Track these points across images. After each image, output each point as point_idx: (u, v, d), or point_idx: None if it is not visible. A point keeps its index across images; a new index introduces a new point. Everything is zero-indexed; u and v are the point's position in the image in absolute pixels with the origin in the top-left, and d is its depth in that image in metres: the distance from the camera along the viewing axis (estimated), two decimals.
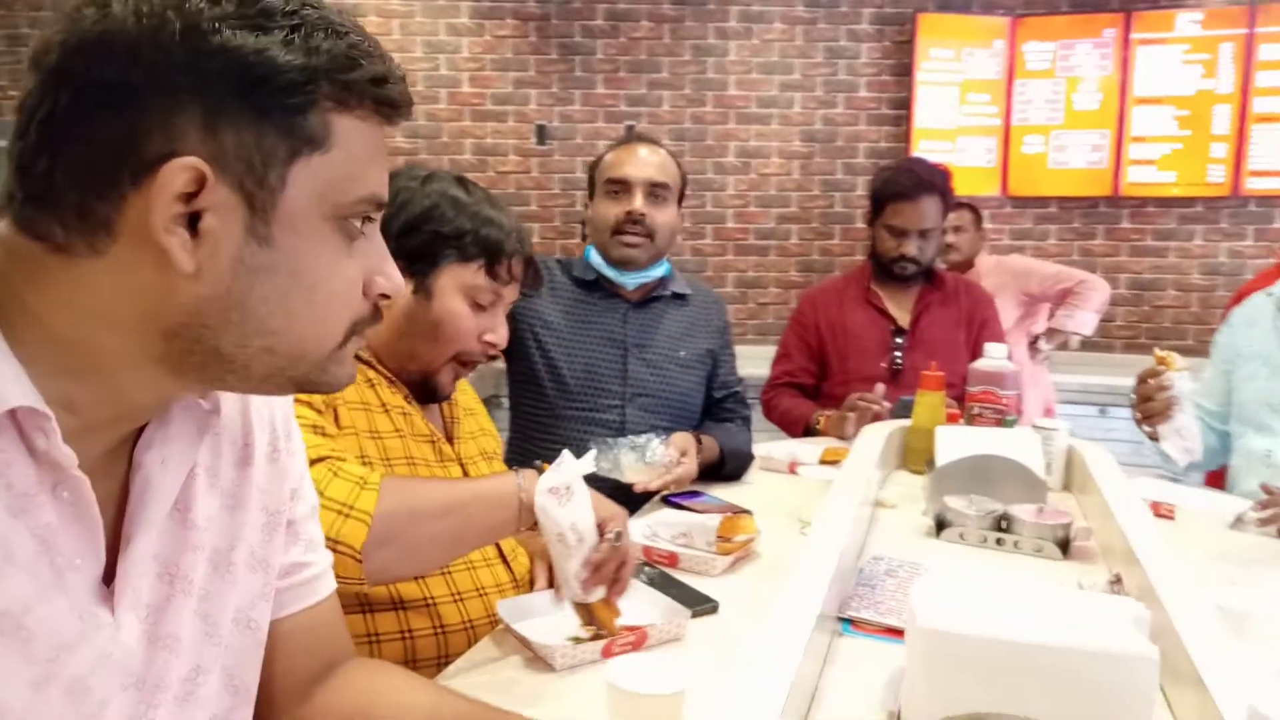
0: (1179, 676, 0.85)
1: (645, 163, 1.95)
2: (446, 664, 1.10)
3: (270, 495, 0.73)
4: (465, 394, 1.45)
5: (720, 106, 4.56)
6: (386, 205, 0.64)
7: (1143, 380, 1.84)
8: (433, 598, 1.20)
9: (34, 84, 0.54)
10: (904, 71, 4.48)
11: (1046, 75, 4.42)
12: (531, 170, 4.65)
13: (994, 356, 1.97)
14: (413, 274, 1.24)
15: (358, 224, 0.61)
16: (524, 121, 4.62)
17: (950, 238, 3.51)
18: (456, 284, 1.26)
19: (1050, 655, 0.69)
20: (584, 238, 3.96)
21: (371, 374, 1.27)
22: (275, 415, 0.74)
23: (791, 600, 0.99)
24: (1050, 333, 3.65)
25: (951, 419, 1.91)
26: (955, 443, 1.68)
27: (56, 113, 0.53)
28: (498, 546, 1.30)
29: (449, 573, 1.23)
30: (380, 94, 0.59)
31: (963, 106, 4.48)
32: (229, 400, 0.69)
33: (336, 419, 1.17)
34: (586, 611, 1.12)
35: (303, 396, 1.07)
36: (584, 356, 1.93)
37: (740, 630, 1.16)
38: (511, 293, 1.31)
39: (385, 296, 0.64)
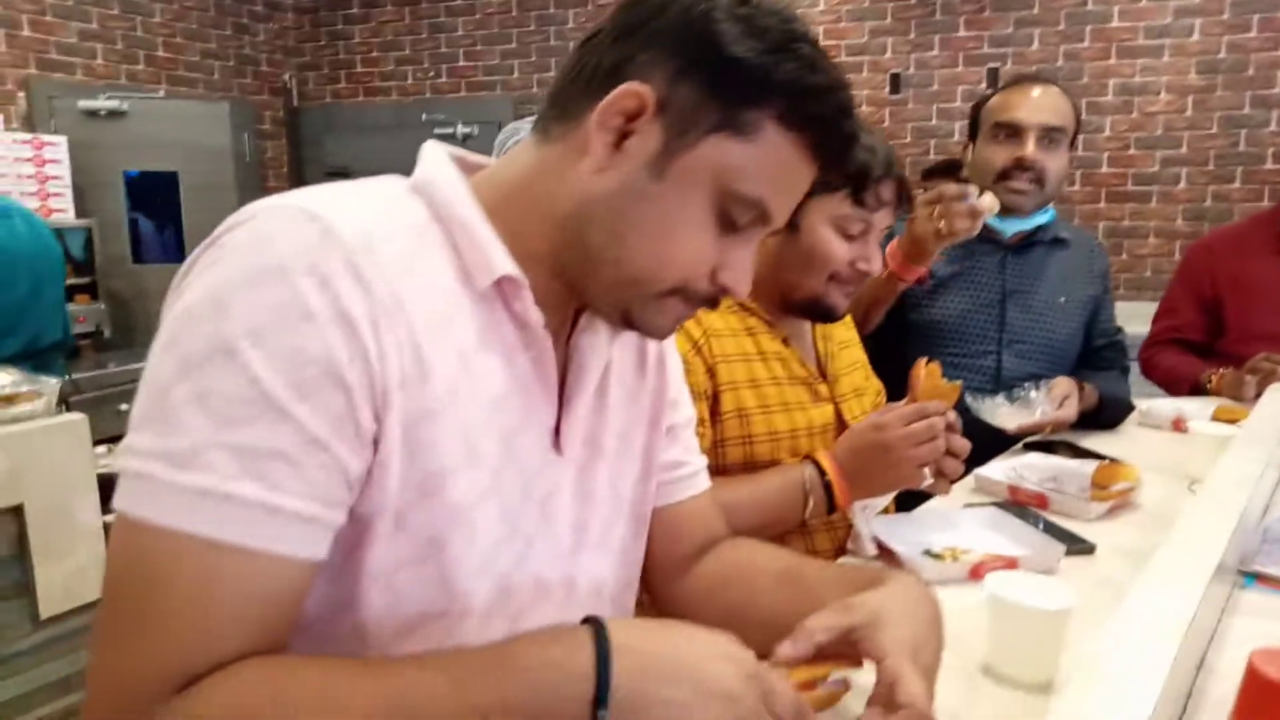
0: None
1: (1039, 105, 1.83)
2: None
3: (655, 398, 0.88)
4: (845, 327, 1.46)
5: (1099, 41, 4.17)
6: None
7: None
8: None
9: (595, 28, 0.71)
10: None
11: None
12: (885, 120, 4.57)
13: None
14: None
15: (740, 219, 0.69)
16: (878, 71, 4.55)
17: None
18: (824, 216, 1.24)
19: None
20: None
21: (752, 321, 1.31)
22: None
23: (1186, 546, 0.96)
24: None
25: None
26: None
27: (592, 40, 0.70)
28: None
29: None
30: (817, 132, 0.68)
31: None
32: None
33: (713, 374, 1.24)
34: None
35: (682, 346, 1.19)
36: (960, 303, 1.89)
37: (1120, 573, 1.14)
38: (882, 219, 1.26)
39: (724, 290, 0.72)
